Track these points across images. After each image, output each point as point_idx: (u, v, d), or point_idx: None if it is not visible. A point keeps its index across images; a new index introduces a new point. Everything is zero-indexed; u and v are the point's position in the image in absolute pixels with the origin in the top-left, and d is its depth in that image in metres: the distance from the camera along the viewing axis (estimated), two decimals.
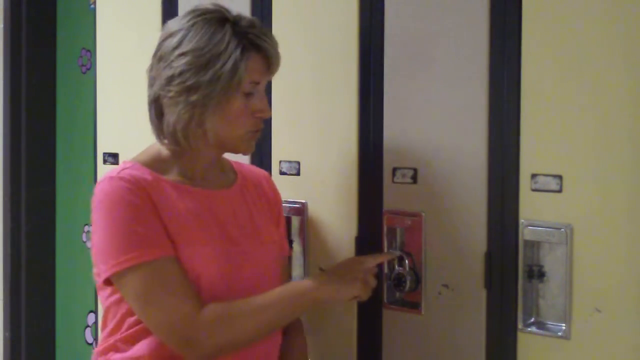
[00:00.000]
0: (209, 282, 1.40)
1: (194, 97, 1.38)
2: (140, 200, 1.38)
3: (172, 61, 1.40)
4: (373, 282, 1.51)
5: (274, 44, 1.45)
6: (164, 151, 1.48)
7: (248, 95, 1.42)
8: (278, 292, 1.43)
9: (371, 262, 1.54)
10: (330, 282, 1.46)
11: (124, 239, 1.36)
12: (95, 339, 2.41)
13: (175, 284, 1.36)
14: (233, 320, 1.38)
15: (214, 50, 1.38)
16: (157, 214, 1.39)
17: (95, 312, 2.25)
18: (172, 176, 1.46)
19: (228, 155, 1.56)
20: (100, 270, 1.40)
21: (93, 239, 1.42)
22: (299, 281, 1.50)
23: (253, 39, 1.41)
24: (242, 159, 1.64)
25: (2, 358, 2.91)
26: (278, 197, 1.64)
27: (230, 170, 1.59)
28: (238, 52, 1.38)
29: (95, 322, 2.26)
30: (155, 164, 1.46)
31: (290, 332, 1.57)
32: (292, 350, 1.57)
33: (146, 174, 1.42)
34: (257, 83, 1.43)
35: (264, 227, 1.54)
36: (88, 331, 2.83)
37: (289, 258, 1.67)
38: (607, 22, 1.34)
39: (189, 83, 1.38)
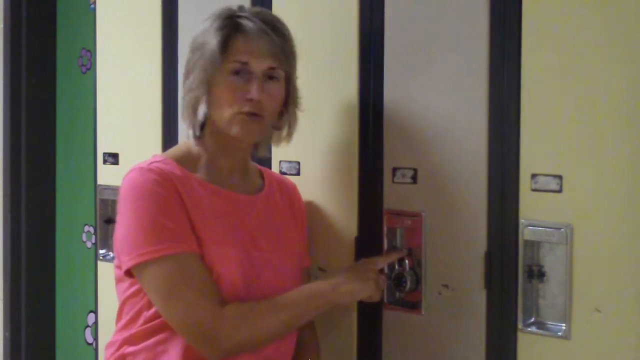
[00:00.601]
0: (229, 283, 1.39)
1: (188, 81, 1.46)
2: (168, 193, 1.38)
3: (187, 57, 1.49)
4: (383, 283, 1.53)
5: (261, 25, 1.42)
6: (194, 149, 1.49)
7: (235, 74, 1.42)
8: (298, 292, 1.44)
9: (382, 262, 1.56)
10: (346, 284, 1.46)
11: (149, 231, 1.36)
12: (96, 339, 2.40)
13: (198, 280, 1.36)
14: (253, 319, 1.37)
15: (203, 36, 1.44)
16: (184, 209, 1.38)
17: (96, 312, 2.25)
18: (201, 175, 1.47)
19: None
20: (122, 261, 1.39)
21: (117, 229, 1.41)
22: (317, 282, 1.50)
23: (237, 20, 1.43)
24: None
25: (2, 358, 2.91)
26: (303, 207, 1.64)
27: (258, 176, 1.60)
28: (214, 30, 1.42)
29: (96, 322, 2.25)
30: (184, 160, 1.47)
31: (303, 329, 1.56)
32: (305, 346, 1.58)
33: (176, 169, 1.43)
34: (245, 63, 1.42)
35: (287, 236, 1.55)
36: (88, 331, 2.83)
37: (309, 269, 1.65)
38: (607, 22, 1.34)
39: (186, 70, 1.47)
